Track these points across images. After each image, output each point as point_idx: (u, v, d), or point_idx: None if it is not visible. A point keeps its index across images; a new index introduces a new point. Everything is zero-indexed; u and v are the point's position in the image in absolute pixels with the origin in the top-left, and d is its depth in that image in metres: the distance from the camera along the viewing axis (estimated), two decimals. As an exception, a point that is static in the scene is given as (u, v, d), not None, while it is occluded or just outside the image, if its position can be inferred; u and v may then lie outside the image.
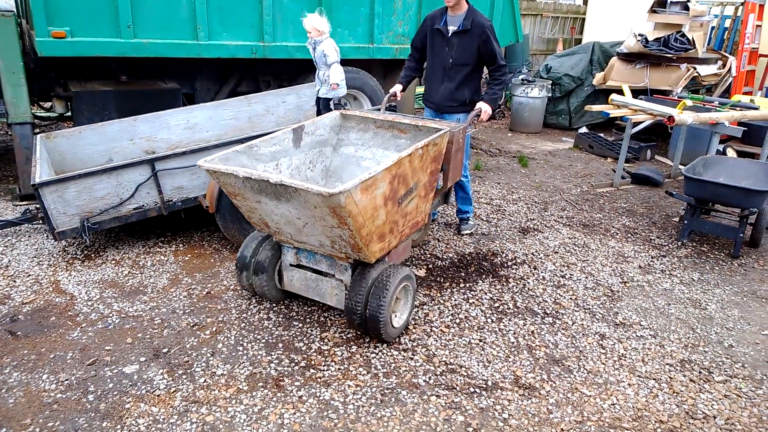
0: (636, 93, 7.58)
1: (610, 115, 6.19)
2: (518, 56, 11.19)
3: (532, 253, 4.38)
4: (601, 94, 8.88)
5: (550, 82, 9.27)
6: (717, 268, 4.26)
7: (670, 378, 2.97)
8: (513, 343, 3.23)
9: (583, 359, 3.10)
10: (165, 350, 3.07)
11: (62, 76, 5.67)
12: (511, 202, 5.61)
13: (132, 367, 2.93)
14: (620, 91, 6.90)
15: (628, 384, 2.91)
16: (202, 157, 3.45)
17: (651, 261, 4.33)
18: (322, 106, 5.06)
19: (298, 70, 6.55)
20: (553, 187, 6.23)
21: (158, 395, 2.73)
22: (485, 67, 4.28)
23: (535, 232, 4.82)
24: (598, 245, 4.60)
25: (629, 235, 4.86)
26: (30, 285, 3.71)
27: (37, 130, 5.47)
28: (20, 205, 4.96)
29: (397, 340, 3.20)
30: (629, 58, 8.74)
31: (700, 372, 3.03)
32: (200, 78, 6.32)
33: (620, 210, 5.53)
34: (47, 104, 6.26)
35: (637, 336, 3.33)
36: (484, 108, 4.00)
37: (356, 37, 6.62)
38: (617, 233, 4.88)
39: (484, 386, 2.86)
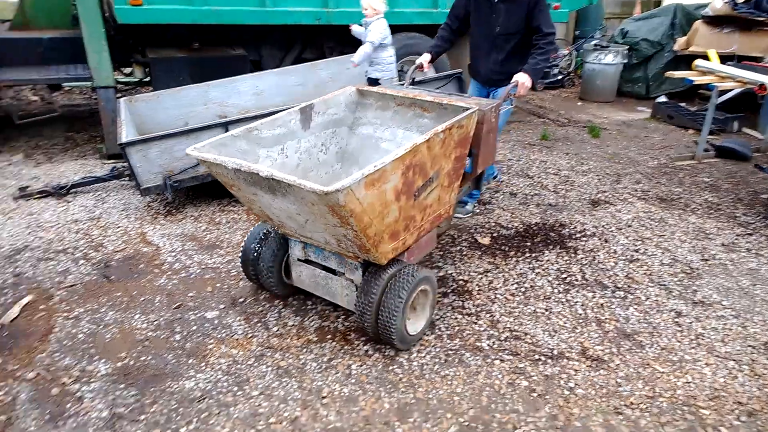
0: (723, 60, 7.10)
1: (694, 83, 5.82)
2: (591, 20, 10.68)
3: (603, 226, 4.28)
4: (683, 61, 8.33)
5: (626, 47, 8.80)
6: (806, 250, 4.01)
7: (752, 360, 2.86)
8: (581, 314, 3.20)
9: (656, 336, 3.04)
10: (241, 300, 3.25)
11: (140, 44, 5.94)
12: (581, 174, 5.46)
13: (213, 313, 3.12)
14: (705, 57, 6.48)
15: (706, 363, 2.83)
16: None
17: (736, 239, 4.12)
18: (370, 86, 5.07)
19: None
20: (627, 159, 6.00)
21: (237, 339, 2.90)
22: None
23: (607, 205, 4.69)
24: (676, 220, 4.42)
25: (712, 211, 4.63)
26: (120, 235, 3.98)
27: (119, 95, 5.77)
28: (108, 163, 5.30)
29: (460, 306, 3.24)
30: (715, 21, 8.13)
31: (782, 355, 2.91)
32: (266, 45, 6.44)
33: (702, 185, 5.26)
34: (127, 70, 6.58)
35: (717, 316, 3.21)
36: (521, 80, 3.54)
37: (419, 1, 6.52)
38: (698, 209, 4.66)
39: (550, 354, 2.87)
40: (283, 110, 3.10)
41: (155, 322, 3.02)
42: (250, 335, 2.94)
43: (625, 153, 6.24)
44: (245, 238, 3.19)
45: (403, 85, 3.97)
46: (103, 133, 5.50)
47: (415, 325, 2.87)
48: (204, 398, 2.50)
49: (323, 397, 2.53)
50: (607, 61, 8.63)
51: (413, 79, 4.05)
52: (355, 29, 5.19)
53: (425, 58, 3.96)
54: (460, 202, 4.17)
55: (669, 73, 6.42)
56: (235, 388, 2.56)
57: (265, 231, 3.14)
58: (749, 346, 2.96)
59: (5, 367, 2.63)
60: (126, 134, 4.20)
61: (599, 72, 8.75)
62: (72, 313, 3.06)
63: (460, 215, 4.29)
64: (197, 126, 4.33)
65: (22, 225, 4.03)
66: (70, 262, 3.57)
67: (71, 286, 3.32)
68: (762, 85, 5.03)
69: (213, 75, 5.47)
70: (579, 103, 8.76)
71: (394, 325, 2.63)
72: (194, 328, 2.99)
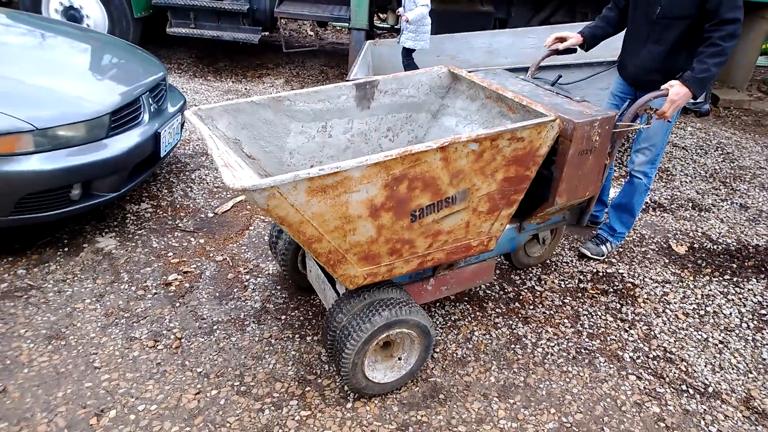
0: None
1: None
2: None
3: None
4: None
5: None
6: None
7: None
8: (764, 360, 2.67)
9: None
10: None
11: None
12: None
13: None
14: None
15: None
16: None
17: None
18: (403, 56, 4.59)
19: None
20: None
21: (382, 278, 3.14)
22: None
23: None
24: None
25: None
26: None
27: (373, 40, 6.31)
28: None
29: (616, 308, 2.96)
30: None
31: None
32: (517, 3, 6.31)
33: None
34: (383, 16, 7.11)
35: None
36: (674, 93, 2.54)
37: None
38: None
39: (702, 390, 2.49)
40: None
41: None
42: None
43: None
44: None
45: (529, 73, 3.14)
46: (349, 71, 6.15)
47: (386, 373, 2.36)
48: (336, 316, 2.80)
49: (435, 352, 2.63)
50: None
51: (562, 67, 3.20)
52: None
53: (573, 40, 3.06)
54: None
55: None
56: (364, 317, 2.81)
57: None
58: None
59: (204, 247, 3.29)
60: (356, 73, 4.64)
61: None
62: (267, 217, 3.64)
63: (590, 253, 3.37)
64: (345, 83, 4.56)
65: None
66: (282, 178, 4.20)
67: (275, 197, 3.92)
68: None
69: (457, 29, 5.62)
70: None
71: (344, 362, 2.17)
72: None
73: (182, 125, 3.88)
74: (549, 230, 3.06)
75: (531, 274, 3.21)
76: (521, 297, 3.02)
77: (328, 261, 2.00)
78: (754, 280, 3.25)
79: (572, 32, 3.08)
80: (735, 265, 3.39)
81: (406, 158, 1.88)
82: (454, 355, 2.62)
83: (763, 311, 3.00)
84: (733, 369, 2.62)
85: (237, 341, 2.62)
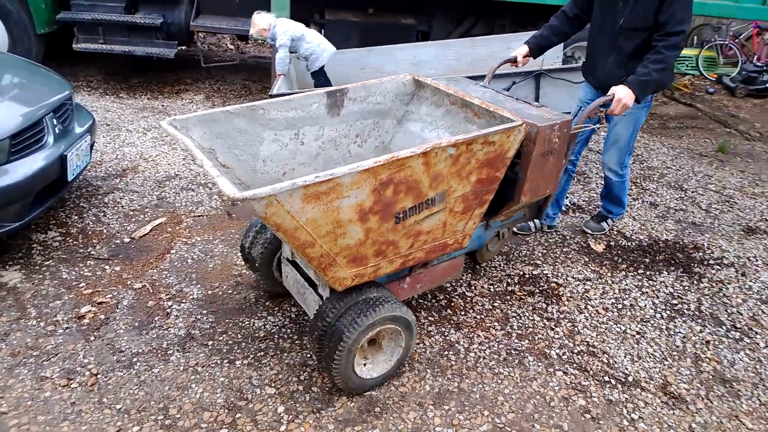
0: None
1: None
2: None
3: (748, 258, 3.68)
4: None
5: None
6: None
7: None
8: (678, 347, 2.84)
9: (760, 389, 2.60)
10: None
11: (322, 5, 6.35)
12: (749, 196, 4.71)
13: (301, 265, 3.35)
14: None
15: (814, 436, 2.37)
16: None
17: None
18: (313, 78, 4.85)
19: (539, 16, 6.25)
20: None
21: (313, 294, 3.09)
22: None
23: (765, 236, 4.01)
24: None
25: None
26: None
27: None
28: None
29: (543, 308, 3.06)
30: None
31: None
32: (438, 17, 6.47)
33: None
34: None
35: None
36: (619, 95, 2.76)
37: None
38: None
39: (623, 380, 2.61)
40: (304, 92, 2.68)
41: (251, 262, 3.33)
42: (326, 291, 3.11)
43: (820, 179, 5.23)
44: (247, 226, 2.98)
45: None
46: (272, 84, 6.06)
47: (372, 369, 2.43)
48: (266, 339, 2.72)
49: (370, 363, 2.61)
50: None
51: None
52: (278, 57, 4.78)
53: (521, 50, 3.24)
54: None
55: None
56: (295, 337, 2.75)
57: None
58: None
59: (121, 275, 3.12)
60: (279, 87, 4.58)
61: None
62: (190, 239, 3.50)
63: (591, 231, 3.81)
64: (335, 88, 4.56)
65: (180, 156, 4.65)
66: (206, 196, 4.06)
67: (199, 216, 3.78)
68: None
69: (380, 41, 5.67)
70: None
71: (335, 363, 2.23)
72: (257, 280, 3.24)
73: (92, 146, 3.68)
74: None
75: (461, 281, 3.26)
76: (453, 304, 3.06)
77: (320, 264, 2.08)
78: (665, 273, 3.46)
79: (522, 48, 3.26)
80: (648, 260, 3.59)
81: (392, 164, 1.99)
82: (388, 366, 2.61)
83: (675, 301, 3.20)
84: (650, 358, 2.76)
85: (160, 372, 2.49)
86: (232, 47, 8.57)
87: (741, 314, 3.11)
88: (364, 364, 2.40)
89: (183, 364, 2.54)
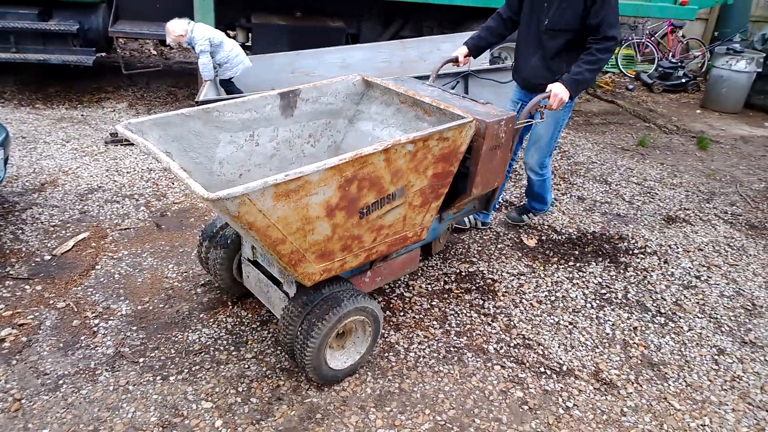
0: None
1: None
2: (734, 21, 9.60)
3: (669, 246, 3.89)
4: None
5: (764, 55, 7.82)
6: None
7: (790, 416, 2.50)
8: (607, 334, 2.96)
9: (686, 370, 2.74)
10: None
11: (248, 9, 6.23)
12: (668, 187, 4.99)
13: (236, 274, 3.27)
14: None
15: (732, 409, 2.52)
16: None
17: (824, 281, 3.59)
18: (223, 86, 4.88)
19: (464, 18, 6.39)
20: (729, 177, 5.38)
21: (250, 302, 3.02)
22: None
23: (683, 224, 4.26)
24: (758, 251, 3.92)
25: (808, 246, 4.05)
26: (183, 189, 4.27)
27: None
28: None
29: (480, 304, 3.12)
30: None
31: (834, 419, 2.51)
32: (366, 19, 6.49)
33: (810, 216, 4.61)
34: (232, 33, 6.94)
35: (765, 360, 2.84)
36: (555, 90, 2.90)
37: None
38: (792, 242, 4.10)
39: (558, 370, 2.69)
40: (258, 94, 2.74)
41: (184, 274, 3.22)
42: (263, 299, 3.05)
43: (729, 171, 5.61)
44: (203, 229, 2.96)
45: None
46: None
47: (342, 359, 2.51)
48: (201, 352, 2.64)
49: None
50: (738, 68, 7.72)
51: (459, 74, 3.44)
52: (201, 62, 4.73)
53: (461, 51, 3.35)
54: (521, 209, 4.00)
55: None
56: (232, 348, 2.68)
57: (222, 223, 2.88)
58: (793, 402, 2.59)
59: (43, 294, 2.94)
60: (206, 93, 4.46)
61: (727, 79, 7.85)
62: (117, 254, 3.34)
63: (512, 220, 3.99)
64: (268, 93, 4.48)
65: (103, 168, 4.44)
66: (132, 208, 3.89)
67: (125, 229, 3.62)
68: None
69: (309, 45, 5.63)
70: (698, 111, 7.96)
71: (308, 356, 2.30)
72: (216, 285, 3.14)
73: (6, 160, 3.45)
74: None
75: (399, 282, 3.27)
76: (391, 305, 3.07)
77: (290, 261, 2.14)
78: (594, 264, 3.61)
79: (461, 48, 3.37)
80: (577, 252, 3.73)
81: (357, 161, 2.06)
82: (329, 372, 2.58)
83: (603, 291, 3.34)
84: (582, 347, 2.86)
85: (88, 394, 2.36)
86: (155, 53, 8.28)
87: (665, 300, 3.28)
88: (335, 356, 2.48)
89: (113, 383, 2.42)
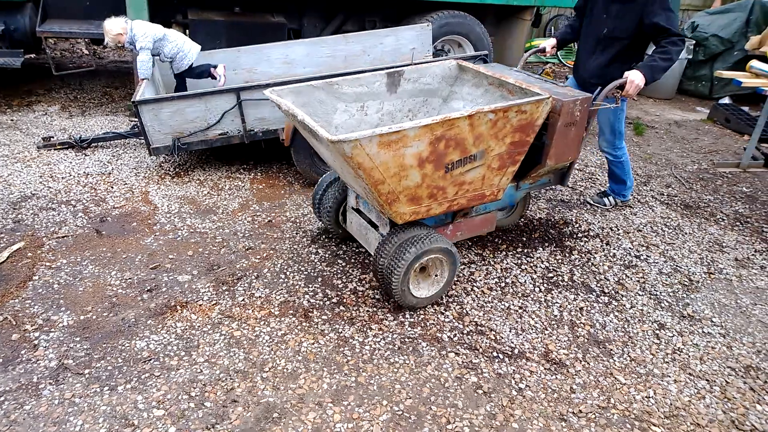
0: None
1: (742, 84, 5.38)
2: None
3: (610, 228, 4.04)
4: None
5: (694, 42, 8.21)
6: (834, 274, 3.65)
7: (727, 382, 2.65)
8: (555, 316, 3.06)
9: (629, 346, 2.86)
10: (217, 267, 3.30)
11: (183, 5, 6.04)
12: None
13: (185, 277, 3.19)
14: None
15: (674, 380, 2.65)
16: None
17: (752, 255, 3.81)
18: (176, 78, 4.84)
19: (409, 12, 6.42)
20: (664, 161, 5.63)
21: (200, 305, 2.95)
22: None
23: (623, 207, 4.43)
24: (693, 229, 4.12)
25: (738, 223, 4.29)
26: (124, 192, 4.12)
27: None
28: (134, 120, 5.47)
29: (433, 293, 3.15)
30: (794, 20, 7.44)
31: (765, 382, 2.67)
32: (308, 14, 6.42)
33: (738, 194, 4.88)
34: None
35: (702, 332, 2.99)
36: (632, 77, 3.24)
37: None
38: (723, 219, 4.33)
39: (509, 353, 2.76)
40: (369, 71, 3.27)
41: (128, 280, 3.11)
42: (214, 302, 2.99)
43: (665, 154, 5.86)
44: (318, 181, 3.51)
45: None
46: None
47: (423, 290, 2.97)
48: (150, 359, 2.56)
49: (265, 371, 2.54)
50: (668, 55, 8.06)
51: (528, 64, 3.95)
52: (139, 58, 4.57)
53: (550, 42, 3.92)
54: (602, 193, 4.42)
55: (718, 73, 5.99)
56: (182, 353, 2.61)
57: (334, 177, 3.45)
58: (729, 367, 2.74)
59: (-25, 307, 2.79)
60: (142, 93, 4.31)
61: (658, 66, 8.19)
62: (55, 263, 3.20)
63: (593, 202, 4.39)
64: (209, 90, 4.37)
65: (37, 174, 4.24)
66: (69, 214, 3.73)
67: (63, 237, 3.47)
68: (815, 90, 4.57)
69: (250, 41, 5.52)
70: (634, 98, 8.27)
71: (394, 283, 2.78)
72: (163, 289, 3.06)
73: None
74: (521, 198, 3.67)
75: (352, 276, 3.27)
76: (345, 300, 3.07)
77: (387, 200, 2.61)
78: (541, 249, 3.71)
79: (551, 40, 3.93)
80: (525, 239, 3.83)
81: (445, 122, 2.47)
82: (285, 370, 2.56)
83: (551, 274, 3.43)
84: (532, 329, 2.94)
85: (32, 409, 2.26)
86: (87, 52, 7.94)
87: (608, 280, 3.41)
88: (419, 287, 2.95)
89: (58, 397, 2.32)
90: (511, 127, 2.71)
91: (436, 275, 2.99)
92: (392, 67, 4.19)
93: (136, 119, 5.37)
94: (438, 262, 2.93)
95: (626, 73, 3.28)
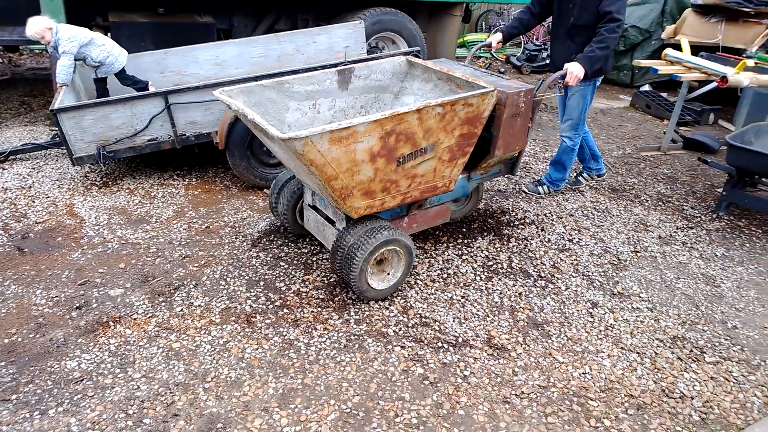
0: (710, 50, 6.91)
1: (659, 72, 5.69)
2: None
3: (545, 215, 4.18)
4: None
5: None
6: (747, 245, 3.91)
7: (656, 354, 2.80)
8: (496, 303, 3.13)
9: (566, 326, 2.97)
10: (152, 278, 3.18)
11: (103, 6, 5.78)
12: (540, 160, 5.34)
13: (117, 291, 3.06)
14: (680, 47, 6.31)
15: (608, 355, 2.77)
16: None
17: (674, 232, 4.03)
18: (96, 83, 4.70)
19: (341, 10, 6.39)
20: (592, 147, 5.87)
21: (135, 319, 2.84)
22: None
23: (555, 194, 4.59)
24: (620, 211, 4.32)
25: (660, 203, 4.53)
26: (46, 206, 3.91)
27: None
28: (55, 130, 5.19)
29: (376, 289, 3.16)
30: (704, 10, 7.92)
31: (691, 351, 2.84)
32: (238, 13, 6.29)
33: (660, 176, 5.15)
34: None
35: (632, 308, 3.14)
36: (571, 68, 3.48)
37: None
38: (647, 200, 4.56)
39: (454, 342, 2.80)
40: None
41: (55, 299, 2.96)
42: (150, 315, 2.88)
43: (592, 140, 6.10)
44: (274, 180, 3.55)
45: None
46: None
47: (382, 282, 3.02)
48: (82, 379, 2.44)
49: (207, 382, 2.47)
50: (593, 46, 8.40)
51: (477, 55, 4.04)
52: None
53: (496, 37, 3.98)
54: (537, 181, 4.53)
55: (636, 62, 6.28)
56: (117, 370, 2.50)
57: (290, 176, 3.46)
58: (657, 339, 2.90)
59: None
60: (61, 100, 4.10)
61: (582, 57, 8.53)
62: (-26, 284, 3.00)
63: (528, 190, 4.49)
64: (135, 94, 4.21)
65: (-52, 193, 3.96)
66: (-12, 233, 3.50)
67: (-19, 257, 3.25)
68: (724, 78, 4.88)
69: (177, 42, 5.32)
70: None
71: (353, 276, 2.84)
72: (94, 305, 2.93)
73: None
74: (473, 189, 3.77)
75: (295, 278, 3.23)
76: (288, 302, 3.03)
77: (341, 195, 2.66)
78: (480, 239, 3.78)
79: (497, 35, 4.00)
80: (465, 230, 3.90)
81: (395, 117, 2.53)
82: (228, 378, 2.50)
83: (490, 263, 3.51)
84: (474, 317, 3.00)
85: (-48, 444, 2.11)
86: (1, 60, 7.48)
87: (544, 264, 3.52)
88: (374, 278, 2.98)
89: (-19, 428, 2.18)
90: (459, 120, 2.79)
91: (391, 268, 3.05)
92: (341, 64, 4.27)
93: (57, 128, 5.16)
94: (394, 254, 2.99)
95: (566, 65, 3.50)
